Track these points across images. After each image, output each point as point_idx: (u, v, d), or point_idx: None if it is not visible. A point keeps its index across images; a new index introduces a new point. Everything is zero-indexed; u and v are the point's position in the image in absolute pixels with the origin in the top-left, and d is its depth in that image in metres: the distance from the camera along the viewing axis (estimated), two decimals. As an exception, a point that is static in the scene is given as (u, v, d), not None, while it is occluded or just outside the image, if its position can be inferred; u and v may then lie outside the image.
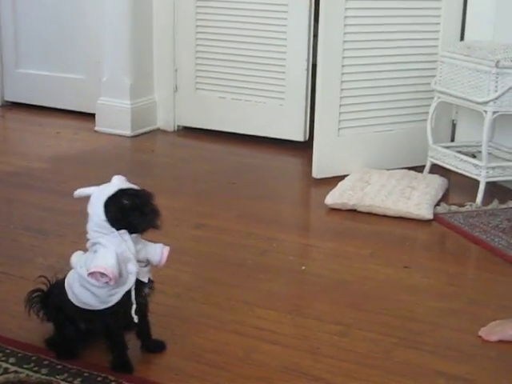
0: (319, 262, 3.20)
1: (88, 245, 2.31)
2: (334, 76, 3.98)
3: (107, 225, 2.23)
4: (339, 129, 4.07)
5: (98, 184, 2.39)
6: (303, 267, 3.08)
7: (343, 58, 3.97)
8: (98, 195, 2.31)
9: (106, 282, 2.18)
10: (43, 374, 2.26)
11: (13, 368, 2.29)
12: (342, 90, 4.01)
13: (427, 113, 4.02)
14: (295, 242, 3.40)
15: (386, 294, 2.85)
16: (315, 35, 4.24)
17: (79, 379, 2.23)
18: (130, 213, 2.23)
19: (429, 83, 4.02)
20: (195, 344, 2.49)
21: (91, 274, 2.18)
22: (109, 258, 2.18)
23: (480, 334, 2.55)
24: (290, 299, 2.82)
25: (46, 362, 2.32)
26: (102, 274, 2.16)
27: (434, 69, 4.03)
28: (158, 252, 2.32)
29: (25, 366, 2.30)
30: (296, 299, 2.84)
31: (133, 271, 2.23)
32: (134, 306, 2.24)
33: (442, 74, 3.91)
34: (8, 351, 2.37)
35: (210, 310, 2.64)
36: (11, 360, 2.33)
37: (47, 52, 5.38)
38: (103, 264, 2.16)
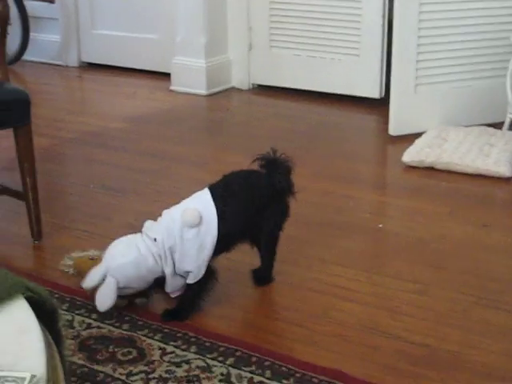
0: (396, 220, 3.18)
1: None
2: (410, 31, 3.91)
3: None
4: (416, 85, 4.01)
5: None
6: (380, 225, 3.07)
7: (420, 12, 3.89)
8: None
9: None
10: (124, 330, 2.31)
11: (95, 323, 2.35)
12: (418, 45, 3.94)
13: (506, 68, 3.92)
14: (372, 200, 3.38)
15: (464, 252, 2.82)
16: (391, -10, 4.17)
17: (159, 335, 2.28)
18: None
19: (508, 37, 3.92)
20: (273, 302, 2.52)
21: None
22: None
23: None
24: (366, 257, 2.81)
25: (127, 318, 2.37)
26: None
27: (514, 22, 3.93)
28: None
29: (107, 322, 2.35)
30: (373, 257, 2.83)
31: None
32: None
33: (523, 28, 3.81)
34: (90, 307, 2.42)
35: (286, 267, 2.65)
36: (94, 316, 2.39)
37: (122, 13, 5.42)
38: None
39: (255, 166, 2.49)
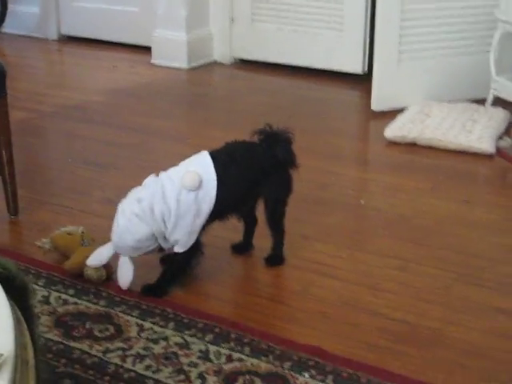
0: (378, 196, 3.16)
1: None
2: (393, 6, 3.86)
3: None
4: (399, 60, 3.97)
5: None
6: (362, 201, 3.04)
7: (404, -14, 3.86)
8: None
9: None
10: (101, 306, 2.28)
11: (72, 300, 2.31)
12: (402, 20, 3.90)
13: (490, 43, 3.89)
14: (354, 176, 3.35)
15: (446, 229, 2.80)
16: (375, -37, 4.12)
17: (137, 311, 2.25)
18: None
19: (492, 12, 3.89)
20: (253, 278, 2.49)
21: None
22: None
23: None
24: (348, 233, 2.79)
25: (104, 294, 2.33)
26: None
27: (498, -3, 3.90)
28: None
29: (84, 298, 2.32)
30: (355, 233, 2.81)
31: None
32: None
33: (507, 3, 3.78)
34: (67, 283, 2.39)
35: (268, 243, 2.61)
36: (70, 292, 2.35)
37: (103, -16, 5.35)
38: None
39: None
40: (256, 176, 2.41)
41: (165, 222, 2.27)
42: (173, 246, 2.33)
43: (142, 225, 2.26)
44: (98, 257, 2.34)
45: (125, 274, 2.32)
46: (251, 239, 2.59)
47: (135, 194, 2.33)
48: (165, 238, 2.30)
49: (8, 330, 1.11)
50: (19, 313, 1.27)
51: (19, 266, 2.40)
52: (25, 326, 1.25)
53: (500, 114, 3.82)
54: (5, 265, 1.32)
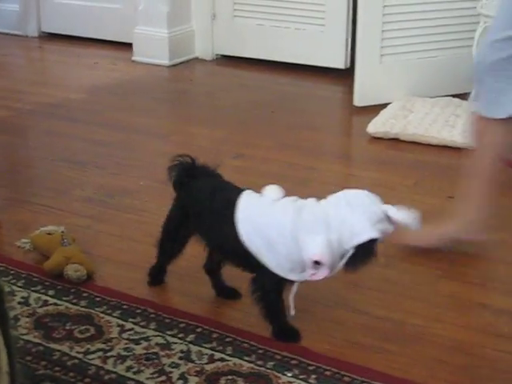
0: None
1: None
2: (376, 1, 3.85)
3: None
4: (381, 55, 3.96)
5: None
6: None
7: (386, -19, 3.84)
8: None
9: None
10: (82, 307, 2.25)
11: (52, 300, 2.28)
12: (384, 15, 3.89)
13: (473, 38, 3.87)
14: (337, 172, 3.33)
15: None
16: (357, -42, 4.10)
17: (118, 311, 2.22)
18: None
19: (474, 7, 3.87)
20: (236, 277, 2.46)
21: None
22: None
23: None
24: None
25: (85, 295, 2.31)
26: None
27: (480, -9, 3.88)
28: None
29: (64, 299, 2.29)
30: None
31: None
32: (295, 291, 2.11)
33: (489, -3, 3.77)
34: (47, 284, 2.36)
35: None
36: (50, 292, 2.32)
37: (83, -19, 5.31)
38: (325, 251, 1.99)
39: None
40: None
41: None
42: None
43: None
44: None
45: None
46: None
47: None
48: None
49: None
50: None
51: (-3, 266, 2.38)
52: (-1, 330, 1.22)
53: (483, 108, 3.81)
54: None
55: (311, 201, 2.11)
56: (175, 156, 2.19)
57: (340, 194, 2.09)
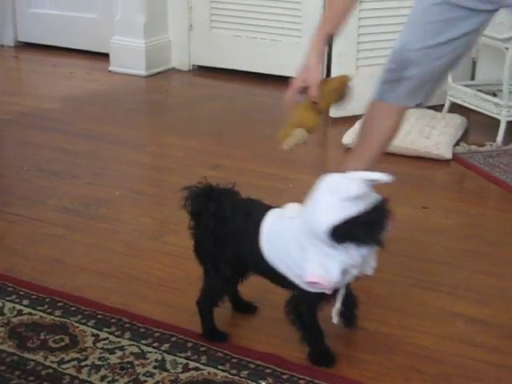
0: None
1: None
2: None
3: (328, 240, 1.90)
4: (357, 67, 3.98)
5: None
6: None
7: (361, -6, 3.87)
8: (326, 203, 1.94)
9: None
10: (57, 316, 2.24)
11: (26, 310, 2.27)
12: (359, 27, 3.92)
13: (447, 50, 3.92)
14: (312, 182, 3.30)
15: (403, 234, 2.79)
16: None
17: (93, 321, 2.22)
18: (359, 229, 1.90)
19: (449, 20, 3.91)
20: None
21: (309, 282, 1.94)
22: (332, 269, 1.92)
23: None
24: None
25: (59, 304, 2.30)
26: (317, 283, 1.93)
27: (454, 4, 3.91)
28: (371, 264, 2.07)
29: (38, 308, 2.28)
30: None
31: (354, 274, 2.01)
32: (338, 306, 2.06)
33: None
34: (22, 293, 2.35)
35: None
36: (25, 302, 2.31)
37: (59, -9, 5.30)
38: (321, 273, 1.91)
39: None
40: None
41: None
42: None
43: None
44: None
45: None
46: None
47: None
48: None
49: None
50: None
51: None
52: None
53: (457, 120, 3.85)
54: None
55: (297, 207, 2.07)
56: (185, 186, 2.09)
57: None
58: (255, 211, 2.09)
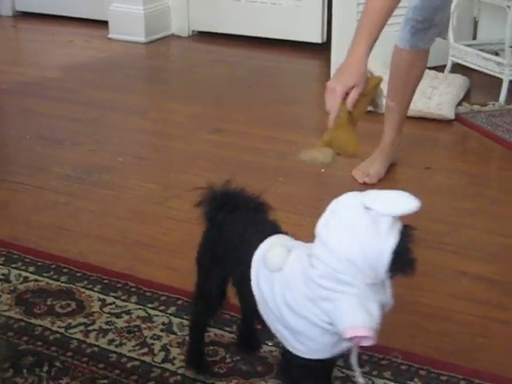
0: (339, 164, 3.11)
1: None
2: (351, -26, 3.86)
3: (383, 272, 1.55)
4: (357, 29, 3.95)
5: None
6: (322, 170, 3.03)
7: (360, -46, 3.84)
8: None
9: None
10: (63, 282, 2.25)
11: (32, 277, 2.28)
12: (357, 12, 3.88)
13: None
14: (314, 145, 3.33)
15: (407, 195, 2.80)
16: None
17: (99, 286, 2.22)
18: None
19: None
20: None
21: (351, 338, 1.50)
22: (374, 311, 1.53)
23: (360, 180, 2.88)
24: (310, 202, 2.78)
25: (65, 270, 2.31)
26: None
27: (454, -37, 3.89)
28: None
29: (44, 275, 2.29)
30: (316, 202, 2.79)
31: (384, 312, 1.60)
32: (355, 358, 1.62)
33: (464, -31, 3.79)
34: (27, 260, 2.36)
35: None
36: (31, 269, 2.32)
37: (57, -42, 5.26)
38: (365, 321, 1.50)
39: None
40: None
41: None
42: None
43: None
44: None
45: None
46: None
47: None
48: None
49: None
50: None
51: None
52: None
53: (459, 80, 3.83)
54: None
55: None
56: (209, 185, 1.82)
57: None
58: (254, 239, 1.72)
